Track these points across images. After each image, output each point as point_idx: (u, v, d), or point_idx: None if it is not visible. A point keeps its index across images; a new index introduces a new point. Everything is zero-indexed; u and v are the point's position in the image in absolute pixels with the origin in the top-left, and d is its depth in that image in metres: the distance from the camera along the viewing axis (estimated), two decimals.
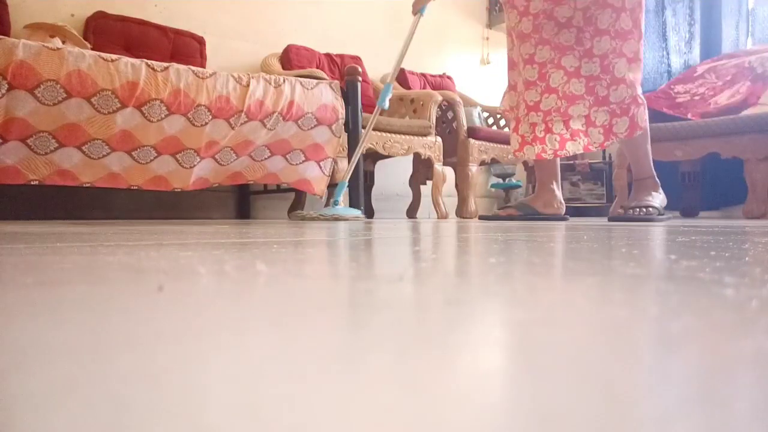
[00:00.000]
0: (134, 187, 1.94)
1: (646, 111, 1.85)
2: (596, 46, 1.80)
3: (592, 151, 1.92)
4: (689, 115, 2.79)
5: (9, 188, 1.90)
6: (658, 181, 1.95)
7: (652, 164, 1.94)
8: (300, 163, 2.23)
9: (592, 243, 0.68)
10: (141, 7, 2.52)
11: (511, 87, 2.03)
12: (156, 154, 1.90)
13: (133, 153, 1.86)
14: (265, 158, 2.16)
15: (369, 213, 2.87)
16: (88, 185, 1.86)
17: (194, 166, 1.99)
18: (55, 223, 1.59)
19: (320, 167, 2.27)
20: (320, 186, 2.30)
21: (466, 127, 2.95)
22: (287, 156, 2.19)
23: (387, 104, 2.15)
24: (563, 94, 1.83)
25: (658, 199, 1.91)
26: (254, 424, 0.11)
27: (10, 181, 1.70)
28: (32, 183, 1.74)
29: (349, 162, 2.19)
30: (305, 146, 2.19)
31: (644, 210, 1.85)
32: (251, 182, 2.22)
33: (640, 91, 1.84)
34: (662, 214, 1.89)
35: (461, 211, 2.97)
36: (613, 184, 2.97)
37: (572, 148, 1.84)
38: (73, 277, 0.34)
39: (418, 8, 2.11)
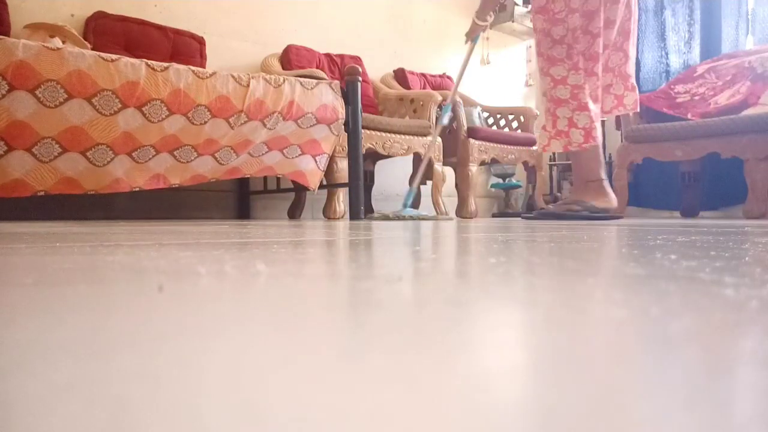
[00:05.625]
0: (136, 189, 1.94)
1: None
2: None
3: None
4: (689, 115, 2.79)
5: None
6: (606, 186, 2.04)
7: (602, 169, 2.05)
8: (296, 156, 2.24)
9: (593, 243, 0.68)
10: (141, 7, 2.52)
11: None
12: (154, 153, 1.90)
13: (133, 154, 1.86)
14: (263, 154, 2.18)
15: (369, 212, 2.87)
16: (92, 193, 1.85)
17: (191, 161, 1.99)
18: (55, 223, 1.59)
19: (316, 162, 2.29)
20: (314, 180, 2.33)
21: (466, 127, 2.95)
22: (284, 150, 2.21)
23: (446, 120, 2.37)
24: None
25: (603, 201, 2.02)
26: (254, 424, 0.11)
27: (17, 194, 1.69)
28: (39, 194, 1.73)
29: (417, 171, 2.40)
30: (302, 142, 2.20)
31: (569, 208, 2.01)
32: (248, 176, 2.25)
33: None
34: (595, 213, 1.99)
35: (461, 211, 2.97)
36: (613, 184, 2.97)
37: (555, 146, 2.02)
38: (74, 277, 0.34)
39: (472, 37, 2.25)
